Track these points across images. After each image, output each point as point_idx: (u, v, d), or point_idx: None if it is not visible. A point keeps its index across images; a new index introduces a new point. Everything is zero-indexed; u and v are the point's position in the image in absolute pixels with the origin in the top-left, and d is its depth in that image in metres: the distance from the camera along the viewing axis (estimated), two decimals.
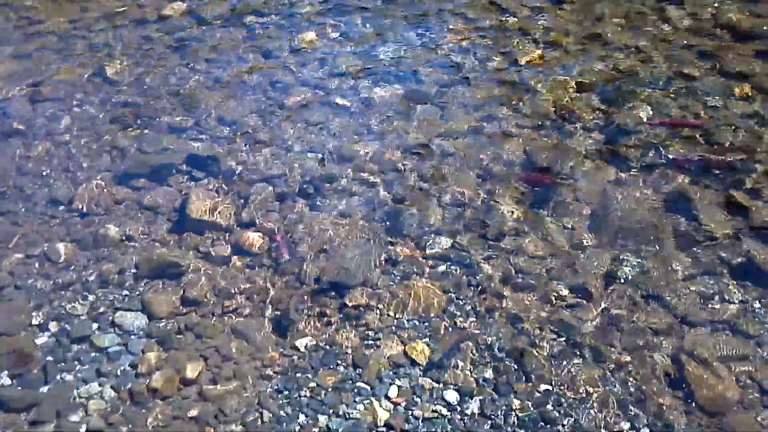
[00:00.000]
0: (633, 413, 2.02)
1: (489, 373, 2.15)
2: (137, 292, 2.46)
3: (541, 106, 3.17)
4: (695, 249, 2.46)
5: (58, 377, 2.18)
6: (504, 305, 2.34)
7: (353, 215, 2.71)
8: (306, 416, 2.05)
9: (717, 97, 3.11)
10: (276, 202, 2.78)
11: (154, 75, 3.60)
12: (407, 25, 3.82)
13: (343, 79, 3.44)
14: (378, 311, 2.35)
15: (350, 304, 2.36)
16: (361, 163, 2.92)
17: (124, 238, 2.66)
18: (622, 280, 2.39)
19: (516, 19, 3.81)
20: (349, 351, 2.23)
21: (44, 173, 3.03)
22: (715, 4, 3.76)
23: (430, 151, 2.96)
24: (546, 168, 2.83)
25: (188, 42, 3.86)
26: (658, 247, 2.48)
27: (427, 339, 2.25)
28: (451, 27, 3.76)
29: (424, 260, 2.51)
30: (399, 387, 2.11)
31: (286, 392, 2.11)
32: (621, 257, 2.46)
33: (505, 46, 3.59)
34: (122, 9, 4.28)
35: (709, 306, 2.30)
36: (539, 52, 3.50)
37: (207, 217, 2.69)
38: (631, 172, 2.78)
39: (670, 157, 2.81)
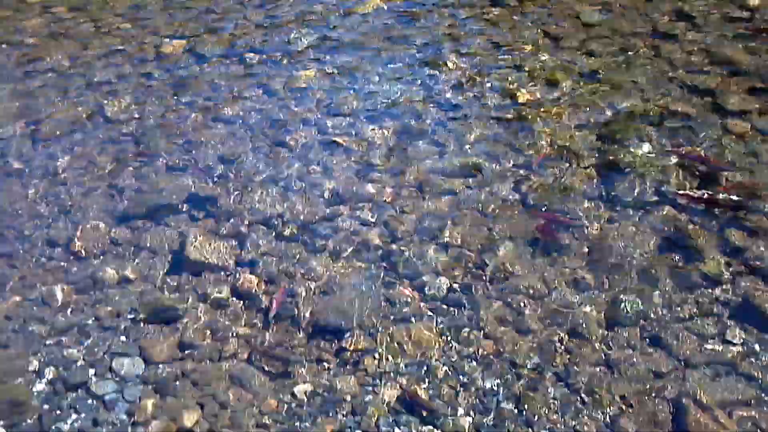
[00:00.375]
0: None
1: (489, 419, 2.13)
2: (134, 337, 2.44)
3: (539, 144, 3.17)
4: (696, 289, 2.45)
5: (54, 427, 2.16)
6: (502, 348, 2.32)
7: (351, 256, 2.70)
8: None
9: (713, 134, 3.12)
10: (274, 243, 2.77)
11: (154, 113, 3.61)
12: (405, 63, 3.84)
13: (341, 117, 3.44)
14: (377, 355, 2.33)
15: (349, 348, 2.35)
16: (358, 203, 2.92)
17: (121, 280, 2.66)
18: (622, 322, 2.38)
19: (513, 57, 3.82)
20: (348, 397, 2.21)
21: (42, 213, 3.03)
22: (708, 41, 3.76)
23: (428, 190, 2.95)
24: (545, 207, 2.83)
25: (188, 80, 3.88)
26: (658, 288, 2.47)
27: (425, 384, 2.23)
28: (448, 64, 3.77)
29: (422, 302, 2.50)
30: None
31: None
32: (621, 298, 2.44)
33: (502, 84, 3.60)
34: (122, 47, 4.31)
35: (710, 348, 2.28)
36: (537, 89, 3.51)
37: (205, 259, 2.68)
38: (630, 211, 2.77)
39: (671, 194, 2.81)
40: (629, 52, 3.73)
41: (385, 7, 4.42)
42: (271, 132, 3.40)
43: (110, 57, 4.21)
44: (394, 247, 2.70)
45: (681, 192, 2.80)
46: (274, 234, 2.81)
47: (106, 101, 3.73)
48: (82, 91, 3.88)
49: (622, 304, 2.40)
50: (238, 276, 2.64)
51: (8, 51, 4.47)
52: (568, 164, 3.03)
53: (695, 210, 2.73)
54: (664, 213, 2.73)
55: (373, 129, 3.33)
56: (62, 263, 2.77)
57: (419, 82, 3.68)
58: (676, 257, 2.56)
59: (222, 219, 2.90)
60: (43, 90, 3.95)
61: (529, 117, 3.34)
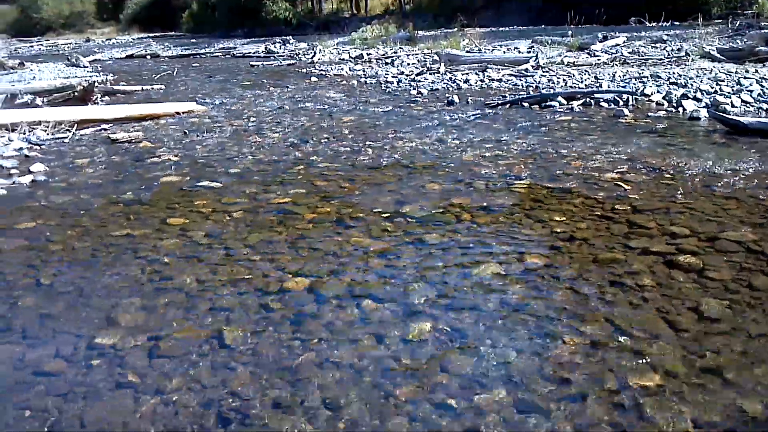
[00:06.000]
0: None
1: None
2: None
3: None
4: None
5: None
6: None
7: None
8: None
9: None
10: None
11: (269, 347, 3.70)
12: (519, 330, 3.84)
13: (450, 377, 3.42)
14: None
15: None
16: None
17: None
18: None
19: (628, 339, 3.76)
20: None
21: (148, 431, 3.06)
22: None
23: None
24: None
25: (305, 317, 4.00)
26: None
27: None
28: (564, 339, 3.75)
29: None
30: None
31: None
32: None
33: (619, 367, 3.52)
34: (248, 276, 4.55)
35: None
36: (657, 378, 3.41)
37: None
38: None
39: None
40: (753, 353, 3.61)
41: (502, 272, 4.53)
42: (380, 383, 3.39)
43: (235, 285, 4.44)
44: None
45: None
46: None
47: (225, 328, 3.88)
48: (205, 315, 4.06)
49: None
50: None
51: (143, 266, 4.80)
52: None
53: None
54: None
55: (484, 394, 3.27)
56: None
57: (532, 351, 3.64)
58: None
59: None
60: (168, 308, 4.16)
61: (646, 404, 3.21)
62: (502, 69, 15.60)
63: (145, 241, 5.31)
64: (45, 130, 9.53)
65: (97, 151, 8.71)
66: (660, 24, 27.15)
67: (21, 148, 8.64)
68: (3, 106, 10.82)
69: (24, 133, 9.28)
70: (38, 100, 11.87)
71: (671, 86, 11.76)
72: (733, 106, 9.86)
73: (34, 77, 17.93)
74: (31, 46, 35.88)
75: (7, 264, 4.94)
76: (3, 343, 3.82)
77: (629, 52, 17.99)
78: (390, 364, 3.53)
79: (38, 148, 8.83)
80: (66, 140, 9.33)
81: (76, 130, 9.73)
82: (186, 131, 9.83)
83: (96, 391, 3.36)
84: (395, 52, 22.08)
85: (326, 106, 11.65)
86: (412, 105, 11.73)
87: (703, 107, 9.89)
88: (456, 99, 11.98)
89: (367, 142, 8.68)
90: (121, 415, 3.16)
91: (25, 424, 3.11)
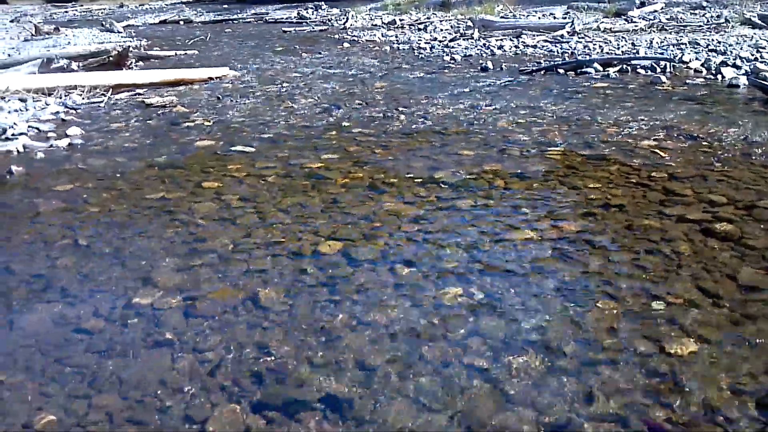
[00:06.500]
0: None
1: None
2: None
3: (692, 402, 3.00)
4: None
5: None
6: None
7: None
8: None
9: None
10: None
11: (302, 308, 3.75)
12: (550, 297, 3.83)
13: (481, 342, 3.43)
14: None
15: None
16: None
17: None
18: None
19: (663, 305, 3.73)
20: None
21: (183, 388, 3.11)
22: None
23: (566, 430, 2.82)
24: None
25: (339, 280, 4.04)
26: None
27: None
28: (597, 304, 3.73)
29: None
30: None
31: None
32: None
33: (652, 334, 3.50)
34: (282, 239, 4.60)
35: None
36: (692, 345, 3.39)
37: None
38: None
39: None
40: None
41: (536, 238, 4.52)
42: (413, 345, 3.41)
43: (269, 248, 4.48)
44: None
45: None
46: None
47: (260, 289, 3.93)
48: (240, 276, 4.11)
49: None
50: None
51: (178, 229, 4.87)
52: (717, 427, 2.83)
53: None
54: None
55: (515, 358, 3.28)
56: None
57: (564, 317, 3.64)
58: None
59: (355, 425, 2.86)
60: (203, 269, 4.22)
61: (680, 372, 3.19)
62: (537, 35, 15.37)
63: (181, 204, 5.37)
64: (81, 95, 9.63)
65: (131, 116, 8.79)
66: None
67: (57, 112, 8.75)
68: (39, 71, 10.93)
69: (60, 98, 9.39)
70: (74, 65, 11.98)
71: (710, 53, 11.49)
72: None
73: (69, 42, 18.03)
74: (66, 12, 36.02)
75: (47, 225, 5.04)
76: (44, 302, 3.92)
77: (667, 19, 17.59)
78: (421, 327, 3.56)
79: (74, 112, 8.94)
80: (101, 105, 9.42)
81: (111, 94, 9.81)
82: (219, 96, 9.87)
83: (134, 348, 3.44)
84: (428, 18, 21.79)
85: (358, 72, 11.59)
86: (445, 71, 11.62)
87: (743, 74, 9.67)
88: (490, 65, 11.84)
89: (400, 108, 8.64)
90: (158, 373, 3.23)
91: (65, 380, 3.19)
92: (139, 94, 10.09)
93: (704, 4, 20.52)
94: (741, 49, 11.57)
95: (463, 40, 15.66)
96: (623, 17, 18.23)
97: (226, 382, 3.15)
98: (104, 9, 37.18)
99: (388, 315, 3.66)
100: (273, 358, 3.32)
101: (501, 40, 15.16)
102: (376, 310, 3.71)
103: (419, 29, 19.41)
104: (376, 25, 21.64)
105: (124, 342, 3.49)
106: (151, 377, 3.20)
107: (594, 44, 13.53)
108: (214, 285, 4.02)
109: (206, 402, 3.01)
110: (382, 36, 18.21)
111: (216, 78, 11.34)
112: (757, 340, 3.41)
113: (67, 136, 7.62)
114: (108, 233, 4.84)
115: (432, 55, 13.94)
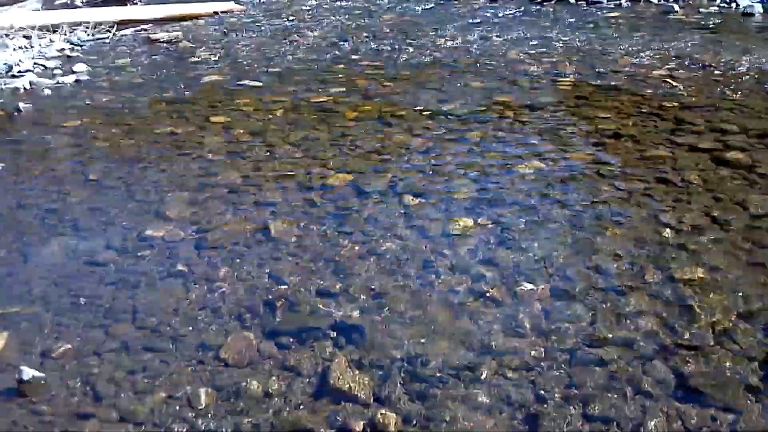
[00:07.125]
0: None
1: None
2: None
3: (697, 326, 3.03)
4: None
5: None
6: None
7: (491, 410, 2.61)
8: None
9: None
10: (415, 383, 2.73)
11: (313, 239, 3.78)
12: (560, 225, 3.84)
13: (493, 269, 3.45)
14: None
15: None
16: (503, 358, 2.86)
17: (263, 394, 2.69)
18: None
19: (672, 233, 3.73)
20: None
21: (197, 317, 3.17)
22: None
23: (575, 359, 2.85)
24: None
25: (348, 211, 4.06)
26: None
27: None
28: (606, 232, 3.74)
29: None
30: None
31: None
32: None
33: (662, 261, 3.51)
34: (291, 173, 4.60)
35: None
36: (700, 271, 3.40)
37: (346, 388, 2.68)
38: None
39: None
40: None
41: (546, 168, 4.50)
42: (422, 273, 3.45)
43: (279, 181, 4.49)
44: (542, 407, 2.60)
45: None
46: (415, 374, 2.77)
47: (271, 221, 3.95)
48: (250, 209, 4.13)
49: None
50: (375, 410, 2.60)
51: (188, 163, 4.87)
52: (726, 351, 2.87)
53: None
54: None
55: (526, 285, 3.31)
56: (209, 368, 2.85)
57: (573, 244, 3.66)
58: None
59: (366, 351, 2.91)
60: (214, 202, 4.24)
61: (689, 297, 3.21)
62: None
63: (189, 138, 5.37)
64: (85, 31, 9.51)
65: (137, 52, 8.70)
66: None
67: (63, 49, 8.67)
68: (43, 7, 10.79)
69: (65, 34, 9.28)
70: (77, 1, 11.80)
71: None
72: None
73: None
74: None
75: (56, 161, 5.06)
76: (57, 235, 3.96)
77: None
78: (432, 257, 3.58)
79: (80, 48, 8.85)
80: (107, 41, 9.32)
81: (116, 30, 9.68)
82: (225, 31, 9.73)
83: (147, 279, 3.49)
84: None
85: (366, 4, 11.37)
86: (454, 2, 11.37)
87: (758, 2, 9.42)
88: None
89: (408, 41, 8.51)
90: (172, 302, 3.28)
91: (80, 311, 3.25)
92: (145, 29, 9.94)
93: None
94: None
95: None
96: None
97: (239, 312, 3.19)
98: None
99: (397, 245, 3.68)
100: (285, 287, 3.36)
101: None
102: (386, 240, 3.73)
103: None
104: None
105: (137, 273, 3.54)
106: (166, 307, 3.25)
107: None
108: (226, 217, 4.05)
109: (220, 330, 3.07)
110: None
111: (222, 12, 11.16)
112: (766, 267, 3.43)
113: (73, 72, 7.56)
114: (118, 168, 4.86)
115: None
